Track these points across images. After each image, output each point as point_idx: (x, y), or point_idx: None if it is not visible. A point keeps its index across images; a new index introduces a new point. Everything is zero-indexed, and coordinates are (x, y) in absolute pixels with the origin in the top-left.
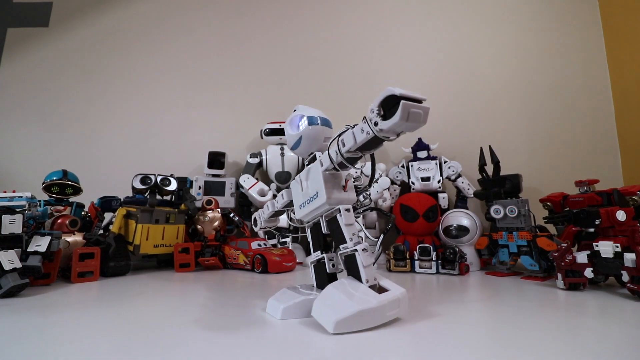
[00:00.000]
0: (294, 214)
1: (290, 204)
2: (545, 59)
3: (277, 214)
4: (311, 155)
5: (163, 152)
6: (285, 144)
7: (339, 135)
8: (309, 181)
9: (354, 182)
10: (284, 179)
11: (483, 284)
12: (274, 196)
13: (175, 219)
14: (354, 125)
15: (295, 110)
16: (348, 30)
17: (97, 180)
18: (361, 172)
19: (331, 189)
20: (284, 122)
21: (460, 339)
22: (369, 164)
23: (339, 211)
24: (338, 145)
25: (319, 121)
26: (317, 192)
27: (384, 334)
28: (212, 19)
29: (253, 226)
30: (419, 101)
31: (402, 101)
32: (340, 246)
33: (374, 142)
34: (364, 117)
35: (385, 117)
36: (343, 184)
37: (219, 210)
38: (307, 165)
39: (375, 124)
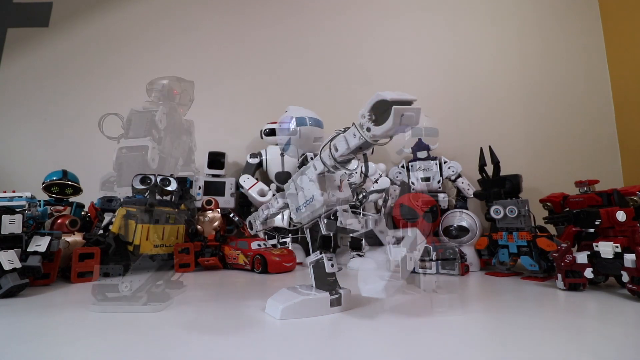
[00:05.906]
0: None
1: (286, 206)
2: (545, 58)
3: (272, 215)
4: (302, 157)
5: None
6: None
7: (331, 140)
8: (304, 185)
9: (348, 180)
10: (284, 179)
11: (483, 284)
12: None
13: (175, 219)
14: (345, 129)
15: (286, 111)
16: (348, 30)
17: (97, 180)
18: (361, 172)
19: (327, 190)
20: None
21: (460, 339)
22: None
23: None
24: (330, 150)
25: (307, 122)
26: (313, 196)
27: (383, 335)
28: (211, 19)
29: (249, 229)
30: (410, 102)
31: (394, 107)
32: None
33: (366, 146)
34: (354, 123)
35: (377, 122)
36: (338, 184)
37: (219, 210)
38: (300, 167)
39: (368, 129)
